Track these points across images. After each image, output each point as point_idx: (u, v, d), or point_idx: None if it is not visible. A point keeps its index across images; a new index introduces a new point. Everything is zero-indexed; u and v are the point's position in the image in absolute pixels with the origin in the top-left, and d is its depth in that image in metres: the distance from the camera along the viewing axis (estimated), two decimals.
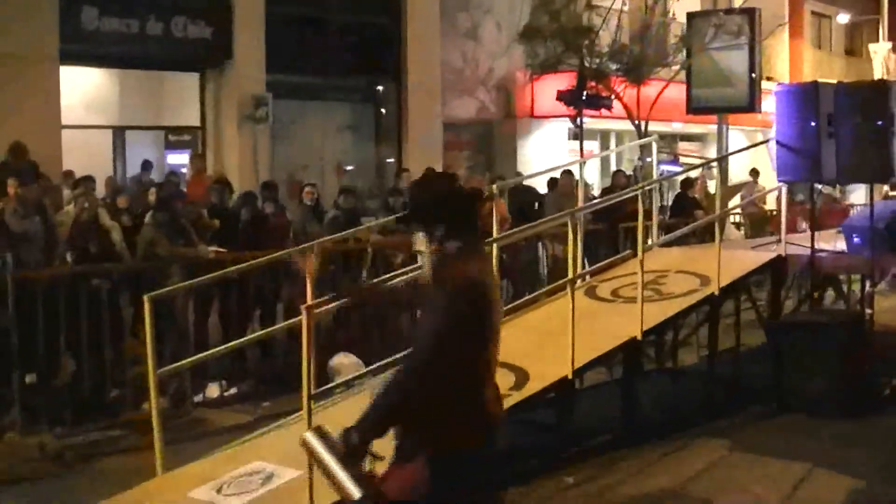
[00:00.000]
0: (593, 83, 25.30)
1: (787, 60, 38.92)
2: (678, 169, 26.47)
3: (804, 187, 17.89)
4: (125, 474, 9.43)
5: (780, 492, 9.69)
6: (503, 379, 10.39)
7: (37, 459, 10.75)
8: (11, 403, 11.54)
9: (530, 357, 10.72)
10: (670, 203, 22.11)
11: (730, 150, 26.75)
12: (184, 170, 20.39)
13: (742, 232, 22.89)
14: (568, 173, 19.03)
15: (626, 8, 27.35)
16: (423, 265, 5.37)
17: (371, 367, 10.89)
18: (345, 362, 12.67)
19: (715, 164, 20.78)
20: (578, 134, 26.10)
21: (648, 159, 20.81)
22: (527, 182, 20.00)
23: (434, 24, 24.65)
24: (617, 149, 31.08)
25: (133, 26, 19.20)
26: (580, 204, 15.22)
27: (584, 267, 13.92)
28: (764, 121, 29.93)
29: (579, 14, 25.47)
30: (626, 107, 26.18)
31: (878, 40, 35.12)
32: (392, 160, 24.52)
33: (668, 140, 32.30)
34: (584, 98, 25.00)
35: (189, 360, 10.75)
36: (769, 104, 19.09)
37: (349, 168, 24.40)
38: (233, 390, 13.50)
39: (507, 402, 9.90)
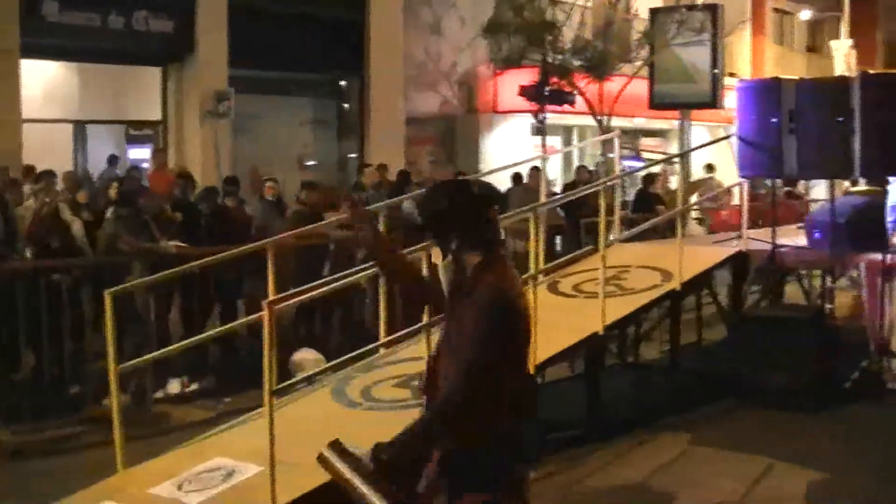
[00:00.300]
0: (556, 79, 25.33)
1: (749, 57, 39.06)
2: (640, 164, 26.56)
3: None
4: (85, 471, 9.37)
5: (744, 485, 9.72)
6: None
7: None
8: None
9: None
10: (632, 198, 22.13)
11: (692, 146, 26.84)
12: (145, 165, 20.32)
13: (704, 227, 22.95)
14: (536, 169, 19.06)
15: (589, 4, 27.41)
16: (442, 279, 5.12)
17: (333, 363, 10.87)
18: (307, 358, 12.65)
19: (677, 159, 20.84)
20: (541, 129, 26.13)
21: (611, 155, 20.85)
22: (488, 178, 19.99)
23: (397, 18, 24.62)
24: (579, 144, 31.13)
25: (94, 20, 19.09)
26: (542, 199, 15.23)
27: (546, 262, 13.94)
28: (726, 116, 30.01)
29: (543, 9, 25.48)
30: (588, 102, 26.23)
31: (839, 37, 35.29)
32: (354, 155, 24.48)
33: (631, 136, 32.36)
34: (546, 93, 25.03)
35: (150, 355, 10.71)
36: (731, 100, 19.17)
37: (311, 163, 24.36)
38: (194, 386, 13.47)
39: None
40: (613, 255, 12.92)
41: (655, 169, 23.17)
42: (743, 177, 15.34)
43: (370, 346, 11.00)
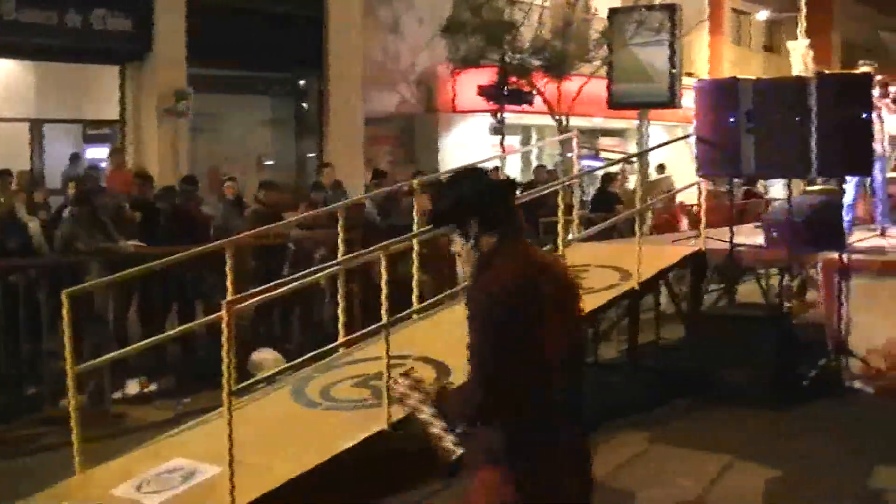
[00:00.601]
0: (515, 78, 25.39)
1: (708, 57, 39.22)
2: (599, 164, 26.63)
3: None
4: (44, 472, 9.35)
5: (703, 483, 9.76)
6: (424, 372, 10.43)
7: None
8: None
9: (452, 352, 10.71)
10: (591, 198, 22.19)
11: (650, 146, 26.92)
12: (103, 164, 20.22)
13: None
14: (496, 169, 19.11)
15: (548, 3, 27.46)
16: (463, 268, 5.18)
17: (292, 363, 10.85)
18: (266, 358, 12.62)
19: (635, 159, 20.91)
20: (500, 129, 26.18)
21: (569, 154, 20.88)
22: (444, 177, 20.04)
23: (356, 17, 24.58)
24: (538, 144, 31.18)
25: (52, 18, 18.95)
26: None
27: None
28: (684, 116, 30.13)
29: (501, 9, 25.53)
30: (547, 102, 26.29)
31: (796, 37, 35.41)
32: (314, 154, 24.43)
33: (589, 135, 32.42)
34: (505, 93, 25.09)
35: (109, 356, 10.67)
36: (689, 100, 19.25)
37: (270, 162, 24.30)
38: (153, 387, 13.41)
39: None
40: (572, 255, 12.93)
41: (614, 168, 23.22)
42: (701, 176, 15.39)
43: (329, 346, 10.98)
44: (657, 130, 32.44)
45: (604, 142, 34.84)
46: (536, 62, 26.04)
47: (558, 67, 25.97)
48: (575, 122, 26.36)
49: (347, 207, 13.07)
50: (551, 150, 29.87)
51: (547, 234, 16.24)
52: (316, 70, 24.15)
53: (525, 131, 32.05)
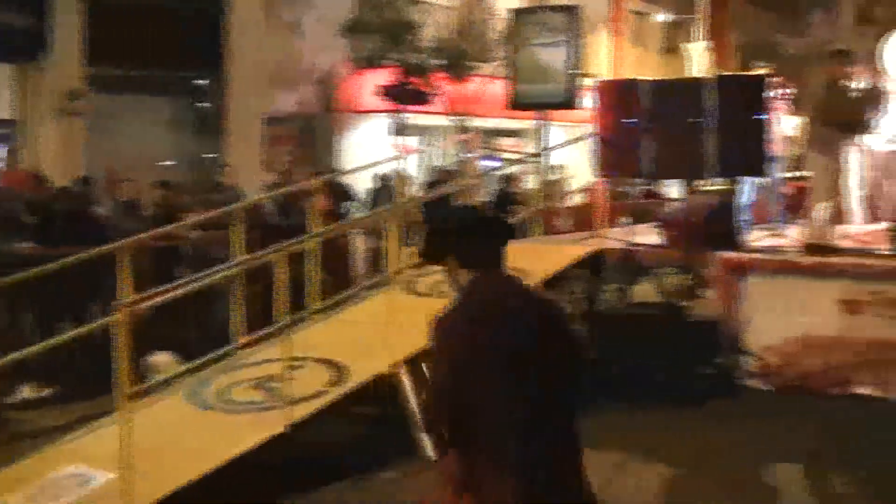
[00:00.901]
0: (415, 78, 25.40)
1: (608, 58, 39.44)
2: (498, 164, 26.70)
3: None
4: None
5: (599, 481, 9.75)
6: (323, 375, 10.43)
7: None
8: None
9: (350, 352, 10.73)
10: (490, 199, 22.23)
11: (550, 146, 27.01)
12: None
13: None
14: (397, 170, 19.11)
15: (449, 3, 27.49)
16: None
17: (189, 365, 10.76)
18: (162, 361, 12.51)
19: (534, 159, 20.98)
20: (400, 129, 26.17)
21: (469, 155, 20.93)
22: (346, 177, 19.98)
23: (257, 16, 24.47)
24: (438, 144, 31.21)
25: None
26: (401, 200, 15.25)
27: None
28: (584, 117, 30.28)
29: (402, 9, 25.52)
30: (447, 102, 26.32)
31: (694, 39, 35.76)
32: (213, 154, 24.26)
33: (489, 135, 32.49)
34: (405, 93, 25.08)
35: (1, 360, 10.52)
36: (589, 100, 19.36)
37: (169, 163, 24.09)
38: (47, 391, 13.23)
39: (329, 399, 9.97)
40: None
41: (513, 169, 23.29)
42: (600, 176, 15.49)
43: (227, 347, 10.92)
44: (557, 131, 32.57)
45: (503, 142, 34.93)
46: (436, 62, 26.08)
47: (458, 68, 26.03)
48: (475, 122, 26.41)
49: (247, 208, 12.99)
50: (451, 150, 29.93)
51: None
52: (216, 70, 24.00)
53: (425, 132, 32.05)
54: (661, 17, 42.28)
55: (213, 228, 14.72)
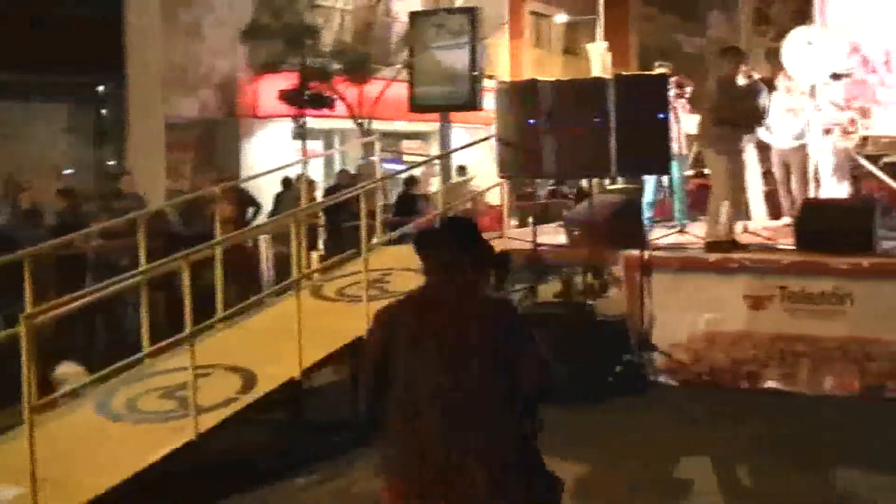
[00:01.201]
0: (316, 82, 25.35)
1: (509, 59, 39.62)
2: (401, 167, 26.71)
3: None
4: None
5: None
6: (232, 382, 10.38)
7: None
8: None
9: (259, 359, 10.71)
10: (394, 201, 22.24)
11: (452, 148, 27.07)
12: None
13: None
14: (302, 175, 19.04)
15: (349, 7, 27.46)
16: None
17: (96, 375, 10.65)
18: (69, 371, 12.35)
19: (437, 161, 21.02)
20: (302, 133, 26.10)
21: (372, 158, 20.89)
22: (248, 183, 19.88)
23: (155, 20, 24.27)
24: (340, 148, 31.16)
25: None
26: (305, 204, 15.21)
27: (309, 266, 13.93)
28: (486, 118, 30.38)
29: (302, 13, 25.46)
30: (349, 106, 26.29)
31: (595, 40, 36.02)
32: (115, 161, 24.03)
33: (392, 138, 32.49)
34: (306, 97, 25.03)
35: None
36: (491, 102, 19.43)
37: (69, 171, 23.81)
38: None
39: (238, 406, 9.92)
40: (376, 259, 12.96)
41: (416, 171, 23.32)
42: (503, 177, 15.54)
43: (135, 357, 10.82)
44: (460, 133, 32.63)
45: (406, 145, 34.95)
46: (337, 66, 26.05)
47: (359, 71, 26.03)
48: (377, 125, 26.43)
49: (150, 216, 12.89)
50: (354, 154, 29.90)
51: (351, 237, 16.24)
52: (115, 75, 23.77)
53: (328, 136, 31.98)
54: (562, 18, 42.50)
55: (116, 237, 14.60)
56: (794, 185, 15.83)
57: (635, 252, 13.59)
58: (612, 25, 37.50)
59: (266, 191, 19.95)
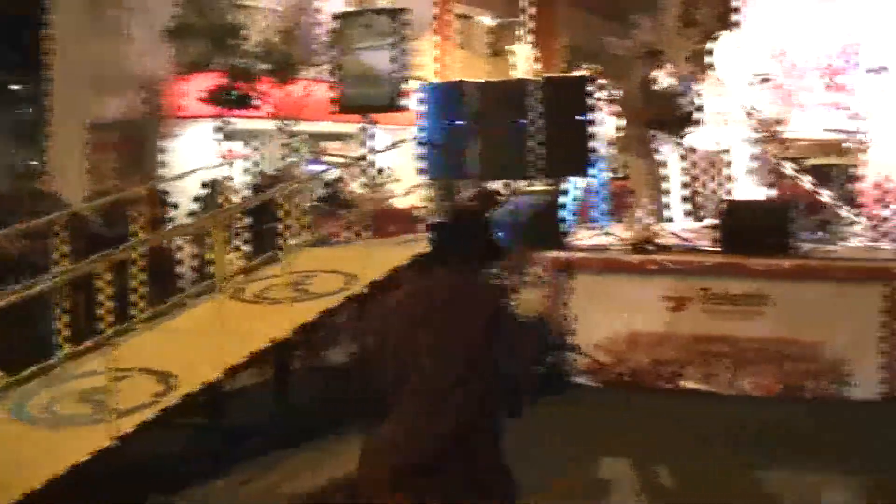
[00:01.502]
0: (240, 83, 25.26)
1: (434, 61, 39.63)
2: (324, 168, 26.69)
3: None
4: None
5: None
6: (151, 386, 10.32)
7: None
8: None
9: (178, 361, 10.64)
10: (317, 203, 22.18)
11: (375, 149, 27.06)
12: None
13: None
14: (223, 176, 18.99)
15: (274, 7, 27.38)
16: None
17: (13, 378, 10.56)
18: None
19: (360, 162, 21.00)
20: (225, 134, 25.99)
21: (294, 159, 20.87)
22: (171, 184, 19.78)
23: (80, 19, 24.07)
24: (264, 149, 31.07)
25: None
26: (227, 205, 15.15)
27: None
28: (410, 119, 30.39)
29: (226, 13, 25.36)
30: (273, 107, 26.22)
31: (520, 42, 36.14)
32: (34, 162, 23.79)
33: (315, 139, 32.43)
34: (229, 98, 24.93)
35: None
36: (415, 103, 19.45)
37: None
38: None
39: (156, 409, 9.86)
40: (298, 260, 12.94)
41: (339, 172, 23.29)
42: (426, 178, 15.56)
43: (52, 359, 10.73)
44: (383, 134, 32.61)
45: (330, 146, 34.89)
46: (262, 66, 25.97)
47: (283, 72, 25.96)
48: (301, 126, 26.37)
49: (69, 217, 12.79)
50: (277, 155, 29.82)
51: (272, 239, 16.20)
52: (36, 74, 23.56)
53: (251, 136, 31.86)
54: (488, 20, 42.61)
55: (34, 238, 14.45)
56: (716, 186, 15.96)
57: (556, 253, 13.65)
58: (541, 27, 37.61)
59: (189, 193, 19.87)
